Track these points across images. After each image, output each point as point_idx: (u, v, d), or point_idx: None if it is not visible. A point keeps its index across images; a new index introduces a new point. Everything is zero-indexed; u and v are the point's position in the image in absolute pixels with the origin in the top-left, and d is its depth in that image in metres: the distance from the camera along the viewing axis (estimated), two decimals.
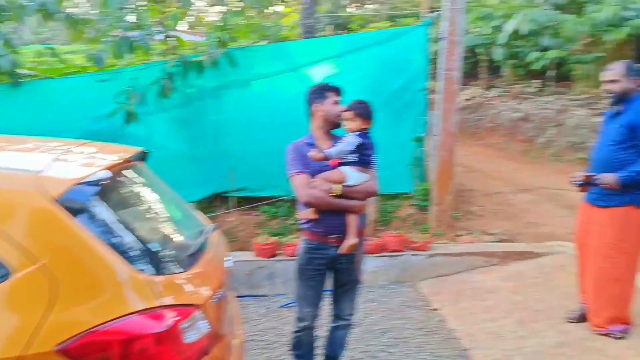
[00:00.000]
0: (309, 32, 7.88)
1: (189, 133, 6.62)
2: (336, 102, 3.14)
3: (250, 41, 7.88)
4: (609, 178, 3.57)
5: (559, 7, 11.71)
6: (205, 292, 2.05)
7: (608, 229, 3.67)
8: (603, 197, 3.67)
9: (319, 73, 6.52)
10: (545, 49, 11.55)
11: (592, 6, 9.84)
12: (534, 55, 11.31)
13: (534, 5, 11.79)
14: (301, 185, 3.01)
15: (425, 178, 6.85)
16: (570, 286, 4.57)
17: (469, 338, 4.09)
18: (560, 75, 13.75)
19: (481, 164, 10.18)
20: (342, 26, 18.02)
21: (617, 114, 3.70)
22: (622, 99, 3.64)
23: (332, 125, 3.16)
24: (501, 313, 4.42)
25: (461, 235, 6.22)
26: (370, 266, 5.33)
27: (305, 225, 3.14)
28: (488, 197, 7.59)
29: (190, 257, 2.15)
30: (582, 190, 3.84)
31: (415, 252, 5.47)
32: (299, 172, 3.04)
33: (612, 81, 3.65)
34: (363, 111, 3.07)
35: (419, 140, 6.70)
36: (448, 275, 5.43)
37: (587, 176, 3.72)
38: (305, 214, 3.08)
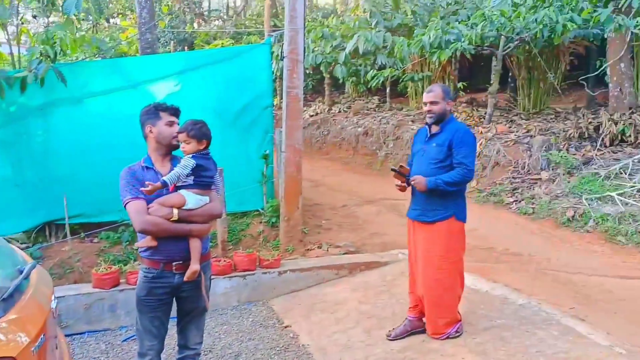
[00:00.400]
0: (149, 47, 7.59)
1: (12, 156, 6.00)
2: (171, 123, 2.96)
3: (83, 56, 7.37)
4: (419, 179, 3.78)
5: (391, 30, 12.60)
6: (22, 340, 1.81)
7: (436, 242, 3.89)
8: (426, 213, 3.90)
9: (161, 91, 6.31)
10: (382, 68, 12.35)
11: (419, 30, 10.72)
12: (371, 72, 12.02)
13: (370, 28, 12.56)
14: (136, 212, 2.81)
15: (274, 195, 6.92)
16: None
17: (320, 352, 4.16)
18: (396, 92, 14.81)
19: (328, 178, 10.53)
20: (186, 42, 17.65)
21: (434, 134, 3.91)
22: (440, 119, 3.86)
23: (168, 147, 2.99)
24: (350, 324, 4.56)
25: (311, 249, 6.35)
26: (221, 288, 5.23)
27: (145, 254, 2.94)
28: (335, 210, 7.85)
29: (4, 302, 1.90)
30: (395, 177, 3.99)
31: (266, 270, 5.45)
32: (133, 197, 2.83)
33: (432, 102, 3.84)
34: (197, 132, 2.93)
35: (266, 158, 6.75)
36: (299, 290, 5.49)
37: (403, 167, 3.95)
38: (143, 242, 2.89)
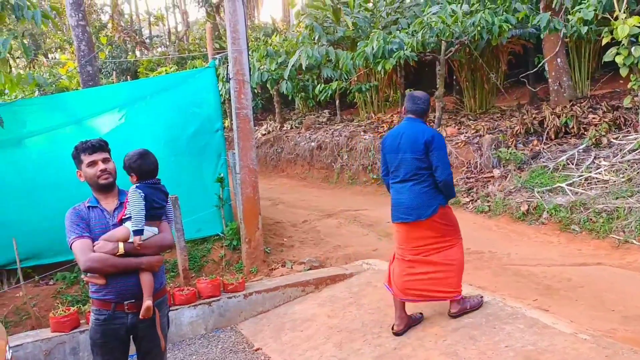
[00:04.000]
0: (91, 80, 7.43)
1: None
2: (92, 163, 2.84)
3: (22, 94, 7.15)
4: None
5: (334, 43, 12.75)
6: None
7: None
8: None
9: (106, 124, 6.17)
10: (329, 81, 12.45)
11: (361, 41, 10.87)
12: (319, 87, 12.12)
13: (313, 43, 12.66)
14: (81, 251, 2.70)
15: (233, 217, 6.84)
16: (377, 300, 4.88)
17: None
18: (346, 103, 14.97)
19: (286, 195, 10.51)
20: (130, 71, 17.40)
21: None
22: None
23: (99, 187, 2.87)
24: (321, 339, 4.52)
25: (275, 268, 6.30)
26: (187, 317, 5.12)
27: (95, 295, 2.82)
28: (296, 226, 7.83)
29: None
30: None
31: (232, 294, 5.36)
32: (78, 237, 2.73)
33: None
34: (124, 165, 2.91)
35: (222, 181, 6.68)
36: (267, 311, 5.42)
37: None
38: (89, 278, 2.78)
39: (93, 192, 2.91)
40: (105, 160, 2.88)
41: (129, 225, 2.79)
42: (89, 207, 2.86)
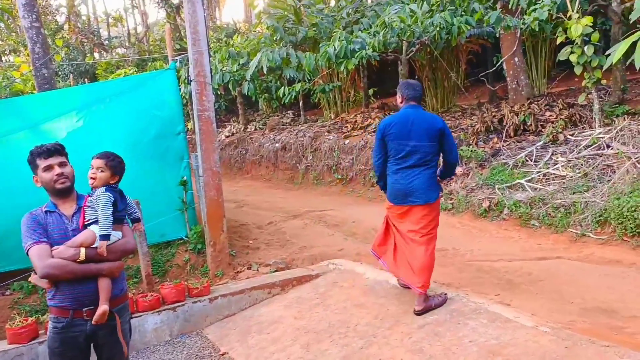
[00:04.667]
0: (47, 83, 7.23)
1: None
2: (48, 167, 2.78)
3: None
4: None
5: (296, 44, 12.75)
6: None
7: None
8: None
9: (62, 128, 6.01)
10: (293, 81, 12.44)
11: (324, 42, 10.90)
12: (282, 90, 12.10)
13: (275, 43, 12.63)
14: (38, 257, 2.63)
15: (197, 220, 6.75)
16: (344, 300, 4.90)
17: None
18: (310, 104, 14.98)
19: (251, 197, 10.44)
20: (88, 74, 17.02)
21: None
22: None
23: (56, 192, 2.80)
24: (288, 341, 4.50)
25: (241, 271, 6.24)
26: (150, 324, 5.02)
27: (52, 302, 2.75)
28: (261, 228, 7.78)
29: None
30: None
31: (197, 299, 5.28)
32: (35, 242, 2.66)
33: None
34: (117, 165, 2.88)
35: (185, 184, 6.59)
36: (233, 314, 5.37)
37: None
38: (36, 279, 2.70)
39: (50, 197, 2.84)
40: (61, 165, 2.81)
41: (95, 229, 2.73)
42: (46, 212, 2.79)
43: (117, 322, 2.82)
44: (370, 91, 13.31)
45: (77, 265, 2.67)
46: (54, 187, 2.78)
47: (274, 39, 12.92)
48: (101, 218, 2.73)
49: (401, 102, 4.47)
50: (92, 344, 2.85)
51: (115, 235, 2.81)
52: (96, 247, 2.72)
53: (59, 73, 17.37)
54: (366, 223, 7.75)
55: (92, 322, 2.71)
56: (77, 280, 2.70)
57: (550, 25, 8.69)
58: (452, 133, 9.42)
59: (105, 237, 2.72)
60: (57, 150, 2.83)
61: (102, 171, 2.83)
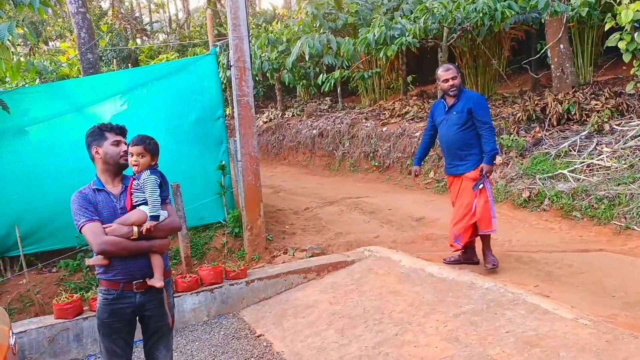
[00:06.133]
0: (91, 68, 7.41)
1: None
2: (117, 142, 2.90)
3: (23, 82, 7.13)
4: (487, 169, 4.84)
5: (336, 31, 12.67)
6: None
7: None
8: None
9: (107, 111, 6.18)
10: (331, 69, 12.40)
11: (363, 28, 10.81)
12: (322, 76, 12.07)
13: (314, 30, 12.59)
14: (93, 234, 2.73)
15: (234, 205, 6.85)
16: (379, 287, 4.90)
17: (295, 357, 4.12)
18: (347, 91, 14.91)
19: (287, 183, 10.51)
20: (130, 59, 17.34)
21: (452, 105, 4.86)
22: (460, 90, 4.83)
23: (116, 167, 2.92)
24: (323, 326, 4.54)
25: (277, 255, 6.32)
26: (189, 304, 5.14)
27: (103, 275, 2.86)
28: (297, 214, 7.84)
29: None
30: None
31: (234, 281, 5.38)
32: (88, 220, 2.76)
33: (453, 78, 4.79)
34: (153, 147, 2.94)
35: (223, 168, 6.69)
36: (269, 298, 5.45)
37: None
38: (93, 260, 2.82)
39: (100, 173, 2.93)
40: (126, 144, 2.94)
41: (145, 210, 2.84)
42: (95, 189, 2.88)
43: (164, 295, 2.94)
44: (409, 78, 13.15)
45: (130, 243, 2.78)
46: (118, 162, 2.90)
47: (314, 25, 12.88)
48: (150, 200, 2.84)
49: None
50: (138, 317, 2.96)
51: (162, 214, 2.92)
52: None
53: (103, 58, 17.76)
54: (402, 211, 7.71)
55: (149, 283, 2.84)
56: (129, 256, 2.80)
57: (598, 11, 8.39)
58: (492, 122, 9.25)
59: (155, 217, 2.84)
60: (125, 132, 2.98)
61: (142, 157, 2.91)
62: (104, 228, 2.77)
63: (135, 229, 2.80)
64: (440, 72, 4.95)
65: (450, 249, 5.32)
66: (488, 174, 4.88)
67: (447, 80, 4.84)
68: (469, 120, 4.81)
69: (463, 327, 3.84)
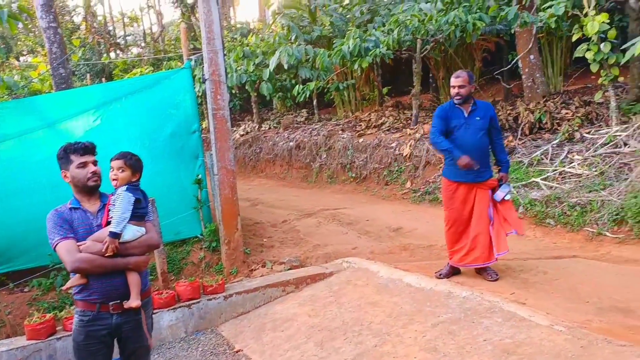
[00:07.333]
0: (64, 83, 7.32)
1: None
2: (83, 165, 2.83)
3: None
4: (506, 177, 4.93)
5: (311, 43, 12.75)
6: None
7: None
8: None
9: (80, 127, 6.09)
10: (307, 81, 12.45)
11: (338, 40, 10.91)
12: (297, 88, 12.12)
13: (290, 42, 12.65)
14: (67, 252, 2.69)
15: (211, 219, 6.80)
16: (358, 298, 4.90)
17: None
18: (324, 102, 14.97)
19: (265, 195, 10.48)
20: (104, 73, 17.18)
21: (472, 110, 4.82)
22: (466, 100, 4.79)
23: (87, 189, 2.86)
24: (302, 339, 4.52)
25: (255, 269, 6.28)
26: (166, 321, 5.07)
27: (78, 295, 2.81)
28: (275, 227, 7.81)
29: None
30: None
31: (212, 296, 5.33)
32: (62, 238, 2.71)
33: (461, 86, 4.74)
34: (135, 163, 2.92)
35: (200, 182, 6.64)
36: (248, 312, 5.40)
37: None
38: (71, 281, 2.76)
39: (75, 193, 2.89)
40: (95, 163, 2.88)
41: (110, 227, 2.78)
42: (71, 208, 2.84)
43: (142, 316, 2.88)
44: (385, 90, 13.28)
45: (105, 260, 2.73)
46: (86, 184, 2.84)
47: (289, 38, 12.94)
48: (115, 216, 2.77)
49: None
50: (115, 338, 2.90)
51: (139, 230, 2.87)
52: (124, 242, 2.78)
53: (76, 73, 17.56)
54: (380, 221, 7.75)
55: (126, 306, 2.78)
56: (105, 274, 2.75)
57: (566, 23, 8.61)
58: None
59: (114, 234, 2.74)
60: (92, 149, 2.90)
61: (122, 171, 2.89)
62: (78, 246, 2.72)
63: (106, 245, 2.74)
64: (452, 78, 4.88)
65: (431, 262, 5.33)
66: (507, 183, 4.94)
67: (454, 87, 4.80)
68: (489, 127, 4.86)
69: (441, 337, 3.86)
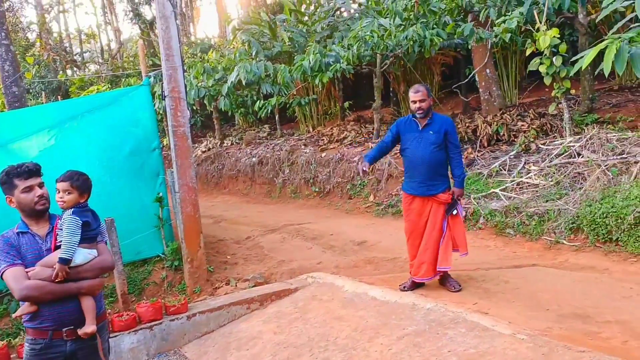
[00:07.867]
0: (17, 101, 7.12)
1: None
2: (28, 189, 2.72)
3: None
4: (459, 192, 4.90)
5: (272, 59, 12.78)
6: None
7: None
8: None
9: (34, 147, 5.92)
10: (269, 96, 12.46)
11: (298, 56, 10.97)
12: (259, 103, 12.10)
13: (251, 58, 12.65)
14: (14, 279, 2.58)
15: (173, 237, 6.69)
16: (323, 314, 4.88)
17: None
18: (286, 117, 15.00)
19: (228, 212, 10.38)
20: (60, 91, 16.78)
21: (427, 124, 4.84)
22: (427, 113, 4.82)
23: (35, 213, 2.75)
24: (268, 357, 4.46)
25: (219, 287, 6.19)
26: (127, 344, 4.94)
27: (29, 323, 2.69)
28: (239, 243, 7.74)
29: None
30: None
31: (174, 317, 5.21)
32: (9, 265, 2.60)
33: (421, 100, 4.76)
34: (82, 184, 2.80)
35: (161, 200, 6.53)
36: (212, 331, 5.30)
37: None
38: (21, 309, 2.65)
39: (23, 217, 2.78)
40: (40, 185, 2.77)
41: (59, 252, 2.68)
42: (18, 233, 2.73)
43: (98, 341, 2.78)
44: (346, 104, 13.39)
45: (55, 286, 2.62)
46: (34, 209, 2.73)
47: (250, 53, 12.94)
48: (64, 241, 2.67)
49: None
50: None
51: (91, 253, 2.77)
52: (75, 266, 2.68)
53: (31, 91, 17.12)
54: (344, 235, 7.76)
55: (80, 333, 2.67)
56: (57, 300, 2.65)
57: (520, 37, 8.89)
58: None
59: (64, 260, 2.64)
60: (37, 170, 2.78)
61: (69, 193, 2.77)
62: (27, 272, 2.61)
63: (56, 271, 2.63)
64: (410, 93, 4.90)
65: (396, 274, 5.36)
66: (460, 198, 4.93)
67: (414, 102, 4.82)
68: (444, 142, 4.84)
69: (407, 349, 3.86)
